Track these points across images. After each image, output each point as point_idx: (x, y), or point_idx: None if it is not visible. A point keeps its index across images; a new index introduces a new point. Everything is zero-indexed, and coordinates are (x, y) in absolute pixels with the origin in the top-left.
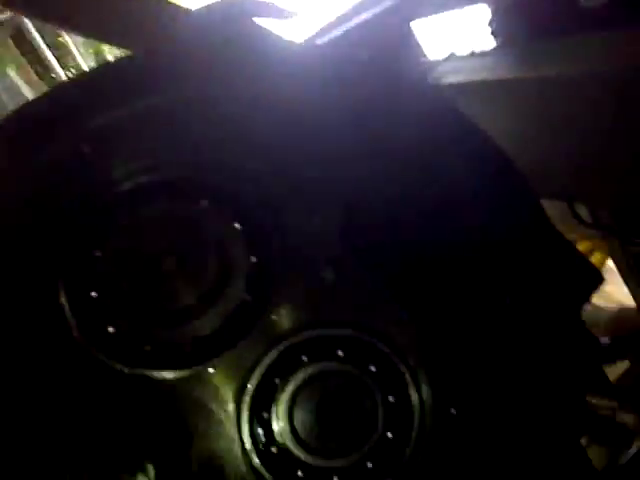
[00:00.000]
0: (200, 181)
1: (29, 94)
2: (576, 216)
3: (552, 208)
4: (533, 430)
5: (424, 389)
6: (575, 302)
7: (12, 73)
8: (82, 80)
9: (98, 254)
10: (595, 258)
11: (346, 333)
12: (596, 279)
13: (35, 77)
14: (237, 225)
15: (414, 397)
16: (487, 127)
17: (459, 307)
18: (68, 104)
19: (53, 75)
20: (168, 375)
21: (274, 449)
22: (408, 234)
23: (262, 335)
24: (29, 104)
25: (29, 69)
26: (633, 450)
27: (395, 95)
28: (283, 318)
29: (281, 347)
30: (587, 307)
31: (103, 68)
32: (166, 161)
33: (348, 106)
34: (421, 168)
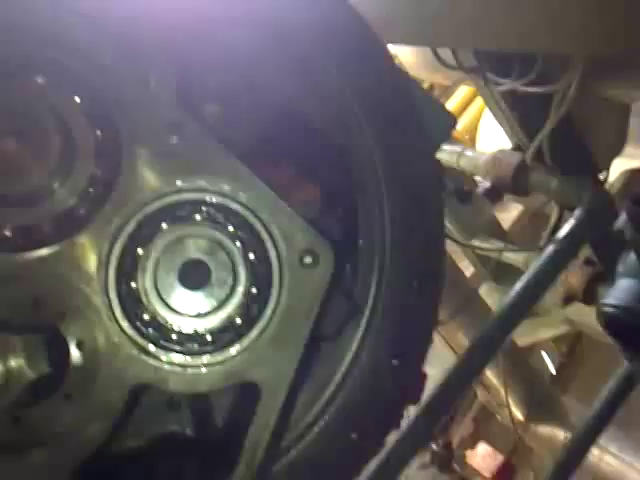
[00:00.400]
0: (33, 57)
1: None
2: (439, 59)
3: (421, 53)
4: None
5: (280, 244)
6: (433, 143)
7: None
8: None
9: None
10: (476, 104)
11: (201, 197)
12: (449, 121)
13: None
14: (76, 98)
15: (272, 252)
16: None
17: (311, 160)
18: None
19: None
20: (30, 256)
21: (146, 316)
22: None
23: (118, 207)
24: None
25: None
26: (519, 285)
27: None
28: (137, 188)
29: (139, 217)
30: (468, 152)
31: None
32: None
33: None
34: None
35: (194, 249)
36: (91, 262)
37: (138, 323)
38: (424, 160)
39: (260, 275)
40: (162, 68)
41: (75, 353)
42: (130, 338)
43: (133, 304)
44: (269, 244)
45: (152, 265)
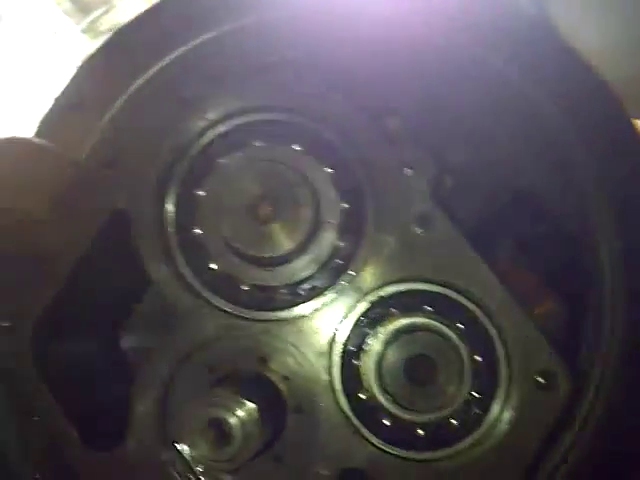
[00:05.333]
0: (295, 125)
1: None
2: None
3: None
4: None
5: (513, 358)
6: None
7: None
8: None
9: (200, 193)
10: None
11: (435, 289)
12: None
13: None
14: (329, 170)
15: (502, 363)
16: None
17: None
18: None
19: None
20: (261, 316)
21: (363, 396)
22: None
23: (354, 285)
24: None
25: None
26: None
27: None
28: (374, 269)
29: (372, 298)
30: None
31: None
32: (266, 104)
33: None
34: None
35: (422, 342)
36: (320, 335)
37: (356, 402)
38: None
39: (485, 383)
40: (422, 158)
41: (291, 419)
42: (347, 417)
43: (353, 382)
44: (501, 355)
45: (378, 349)
